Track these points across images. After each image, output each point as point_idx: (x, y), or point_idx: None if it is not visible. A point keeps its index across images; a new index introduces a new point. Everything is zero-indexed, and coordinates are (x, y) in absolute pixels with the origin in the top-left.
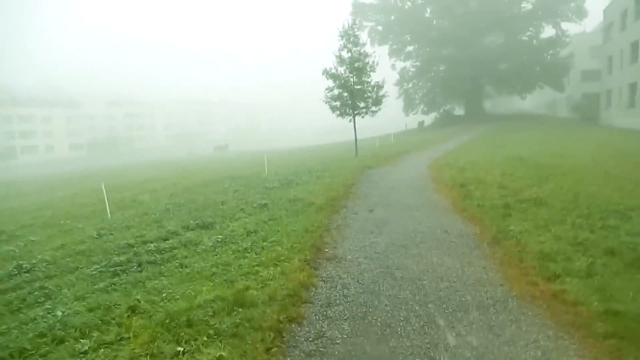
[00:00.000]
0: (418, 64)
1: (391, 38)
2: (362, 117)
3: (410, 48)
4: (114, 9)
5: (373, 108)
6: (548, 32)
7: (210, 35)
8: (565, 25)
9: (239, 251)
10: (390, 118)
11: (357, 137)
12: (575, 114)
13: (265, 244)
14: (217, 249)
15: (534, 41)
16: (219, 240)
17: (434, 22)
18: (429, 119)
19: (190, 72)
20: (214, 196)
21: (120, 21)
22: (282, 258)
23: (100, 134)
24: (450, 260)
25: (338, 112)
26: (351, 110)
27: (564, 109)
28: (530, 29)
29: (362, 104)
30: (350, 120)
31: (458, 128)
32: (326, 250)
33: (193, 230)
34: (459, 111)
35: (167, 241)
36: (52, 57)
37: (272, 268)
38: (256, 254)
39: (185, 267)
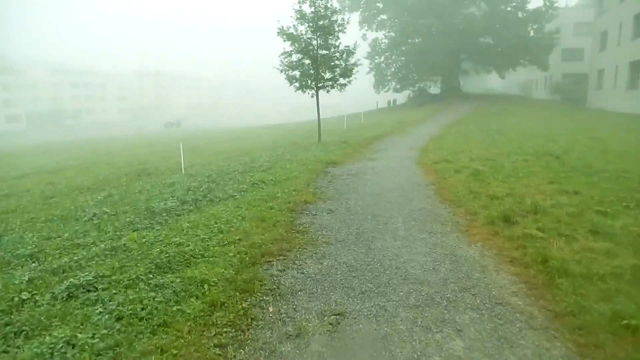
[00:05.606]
0: (392, 34)
1: (363, 5)
2: (327, 91)
3: (384, 16)
4: None
5: (341, 80)
6: (534, 3)
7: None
8: None
9: None
10: (359, 96)
11: (321, 116)
12: (556, 96)
13: None
14: None
15: (520, 13)
16: None
17: None
18: (400, 97)
19: (151, 43)
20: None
21: None
22: None
23: (43, 105)
24: None
25: (297, 85)
26: (314, 83)
27: (540, 90)
28: None
29: (327, 75)
30: (312, 96)
31: (435, 108)
32: None
33: None
34: (434, 89)
35: None
36: None
37: None
38: None
39: None
